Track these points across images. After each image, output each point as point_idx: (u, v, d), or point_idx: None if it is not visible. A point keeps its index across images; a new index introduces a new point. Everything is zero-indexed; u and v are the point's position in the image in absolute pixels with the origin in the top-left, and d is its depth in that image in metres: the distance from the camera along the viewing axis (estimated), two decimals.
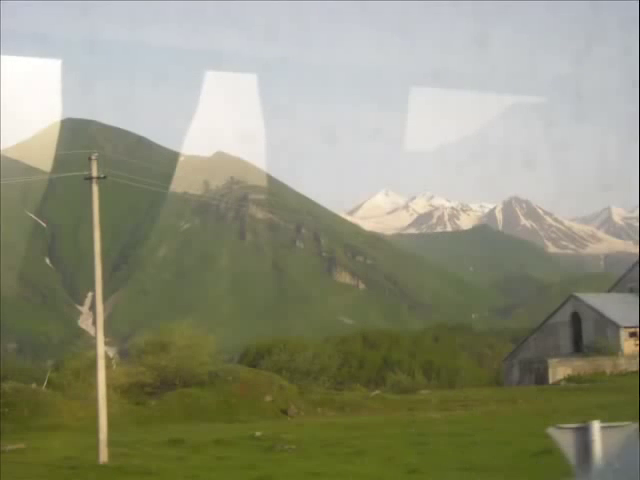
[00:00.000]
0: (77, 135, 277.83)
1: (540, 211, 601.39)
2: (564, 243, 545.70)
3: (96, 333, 24.05)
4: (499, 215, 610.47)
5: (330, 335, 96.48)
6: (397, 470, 20.52)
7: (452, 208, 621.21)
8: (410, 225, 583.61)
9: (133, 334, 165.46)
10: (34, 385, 37.58)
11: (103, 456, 22.41)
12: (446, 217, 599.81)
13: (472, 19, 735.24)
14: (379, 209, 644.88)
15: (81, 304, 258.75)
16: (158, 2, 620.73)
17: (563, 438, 7.77)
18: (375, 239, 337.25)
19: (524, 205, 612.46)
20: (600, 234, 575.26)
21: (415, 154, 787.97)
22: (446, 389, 58.83)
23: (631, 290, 70.68)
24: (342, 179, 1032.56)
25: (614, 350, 63.38)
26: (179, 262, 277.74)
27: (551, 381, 58.29)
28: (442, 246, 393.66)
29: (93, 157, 23.64)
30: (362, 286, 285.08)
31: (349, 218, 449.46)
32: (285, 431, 29.50)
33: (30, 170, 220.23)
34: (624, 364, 61.07)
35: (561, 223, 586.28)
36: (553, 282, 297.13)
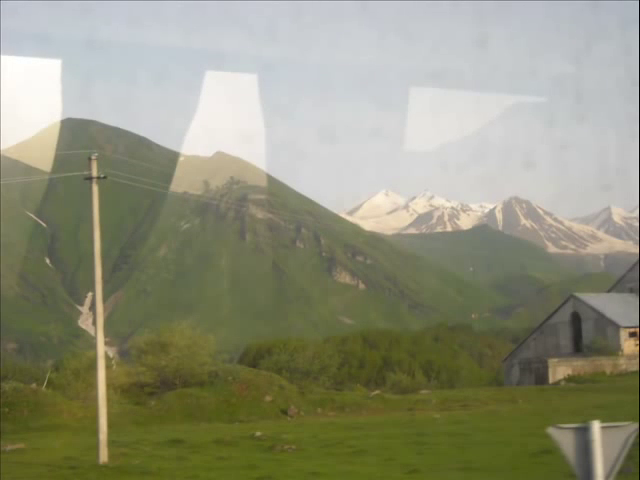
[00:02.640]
0: (77, 135, 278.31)
1: (540, 211, 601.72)
2: (564, 243, 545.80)
3: (96, 333, 24.02)
4: (499, 215, 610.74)
5: (330, 335, 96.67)
6: (397, 470, 20.49)
7: (452, 208, 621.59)
8: (410, 225, 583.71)
9: (133, 334, 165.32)
10: (34, 385, 37.47)
11: (103, 456, 22.39)
12: (446, 217, 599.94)
13: (472, 19, 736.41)
14: (379, 209, 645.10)
15: (81, 304, 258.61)
16: (158, 2, 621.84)
17: (563, 438, 7.76)
18: (375, 239, 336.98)
19: (524, 205, 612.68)
20: (600, 234, 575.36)
21: (415, 154, 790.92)
22: (446, 389, 58.83)
23: (631, 290, 70.72)
24: (342, 179, 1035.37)
25: (614, 350, 63.41)
26: (179, 262, 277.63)
27: (551, 381, 58.29)
28: (442, 246, 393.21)
29: (93, 157, 23.61)
30: (362, 286, 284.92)
31: (349, 218, 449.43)
32: (285, 431, 29.47)
33: (30, 170, 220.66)
34: (624, 364, 61.11)
35: (561, 223, 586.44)
36: (553, 282, 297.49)
